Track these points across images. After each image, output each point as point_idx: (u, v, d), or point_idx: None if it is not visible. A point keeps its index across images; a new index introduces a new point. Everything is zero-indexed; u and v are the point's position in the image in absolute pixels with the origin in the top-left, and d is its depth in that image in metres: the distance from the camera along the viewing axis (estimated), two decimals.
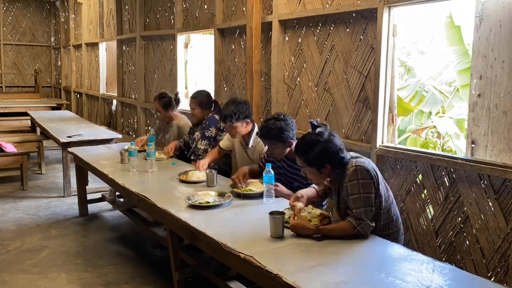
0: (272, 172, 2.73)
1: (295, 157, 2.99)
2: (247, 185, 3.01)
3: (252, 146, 3.46)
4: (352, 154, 2.44)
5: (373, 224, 2.23)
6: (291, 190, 2.99)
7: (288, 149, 2.95)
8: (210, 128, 3.94)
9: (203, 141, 3.93)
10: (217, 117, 4.02)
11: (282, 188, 2.92)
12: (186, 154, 4.19)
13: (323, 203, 2.97)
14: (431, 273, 1.87)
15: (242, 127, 3.39)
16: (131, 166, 3.64)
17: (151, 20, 7.24)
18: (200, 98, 4.05)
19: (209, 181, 3.19)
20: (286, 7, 4.36)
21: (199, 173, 3.35)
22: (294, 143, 2.94)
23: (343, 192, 2.32)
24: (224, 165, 3.91)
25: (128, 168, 3.68)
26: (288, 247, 2.12)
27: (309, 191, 2.64)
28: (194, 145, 4.03)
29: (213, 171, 3.23)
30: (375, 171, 2.31)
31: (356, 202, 2.22)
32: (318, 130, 2.39)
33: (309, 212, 2.42)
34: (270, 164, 2.76)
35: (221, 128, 3.97)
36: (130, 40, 7.97)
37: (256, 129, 3.48)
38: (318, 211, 2.43)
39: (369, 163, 2.32)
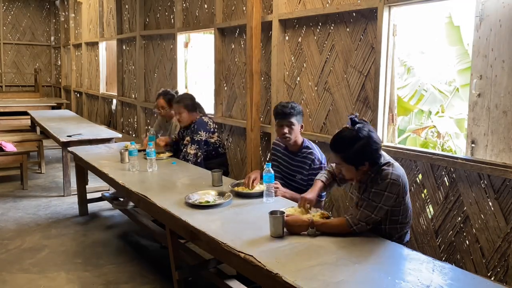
0: (272, 172, 2.74)
1: (296, 150, 3.03)
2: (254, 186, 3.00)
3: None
4: (387, 157, 2.34)
5: (369, 227, 2.24)
6: (293, 182, 3.03)
7: (301, 129, 3.05)
8: (199, 132, 3.88)
9: (192, 145, 3.88)
10: (205, 119, 3.99)
11: (282, 188, 2.93)
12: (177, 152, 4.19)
13: (322, 199, 2.98)
14: (431, 272, 1.87)
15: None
16: (131, 166, 3.64)
17: (151, 19, 7.24)
18: (185, 101, 3.98)
19: (214, 181, 3.18)
20: (286, 7, 4.35)
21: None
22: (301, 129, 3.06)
23: (365, 194, 2.28)
24: (221, 165, 3.90)
25: (128, 167, 3.68)
26: (288, 247, 2.12)
27: (315, 189, 2.61)
28: (184, 149, 4.00)
29: (219, 170, 3.22)
30: (405, 186, 2.26)
31: (369, 207, 2.21)
32: (357, 126, 2.25)
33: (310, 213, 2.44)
34: (270, 164, 2.76)
35: (211, 130, 3.96)
36: (130, 40, 7.97)
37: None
38: (318, 212, 2.44)
39: (403, 176, 2.26)
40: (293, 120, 2.99)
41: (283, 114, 3.01)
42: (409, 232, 2.47)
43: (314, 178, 2.94)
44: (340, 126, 3.90)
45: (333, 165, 2.72)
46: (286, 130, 3.00)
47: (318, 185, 2.67)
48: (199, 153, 3.84)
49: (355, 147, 2.22)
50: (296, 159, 3.06)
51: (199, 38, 6.94)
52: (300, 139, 3.08)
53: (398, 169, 2.27)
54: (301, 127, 3.06)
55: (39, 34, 12.94)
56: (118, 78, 8.55)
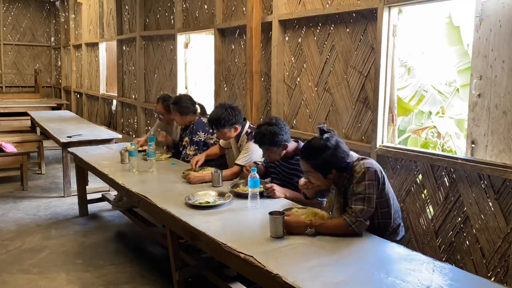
0: (257, 177, 2.69)
1: (291, 155, 3.03)
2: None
3: (239, 144, 3.55)
4: (355, 154, 2.44)
5: (368, 223, 2.25)
6: (291, 185, 3.01)
7: (284, 151, 2.97)
8: (198, 133, 3.91)
9: (191, 146, 3.90)
10: (204, 120, 3.98)
11: (278, 188, 2.91)
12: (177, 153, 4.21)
13: (323, 199, 2.98)
14: (431, 273, 1.87)
15: (231, 132, 3.46)
16: (131, 166, 3.65)
17: (151, 20, 7.24)
18: (179, 106, 3.99)
19: (214, 181, 3.19)
20: (286, 7, 4.36)
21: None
22: (289, 144, 2.98)
23: (349, 192, 2.33)
24: (221, 166, 3.90)
25: (128, 168, 3.68)
26: (288, 247, 2.12)
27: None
28: (184, 152, 4.01)
29: (219, 171, 3.22)
30: (381, 172, 2.35)
31: (358, 201, 2.24)
32: (325, 135, 2.38)
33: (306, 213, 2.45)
34: (255, 169, 2.74)
35: (211, 131, 3.96)
36: (130, 40, 7.98)
37: (246, 128, 3.52)
38: (315, 210, 2.45)
39: (376, 165, 2.35)
40: (268, 148, 2.94)
41: (256, 142, 3.02)
42: (402, 226, 2.52)
43: None
44: (340, 127, 3.90)
45: None
46: (265, 154, 3.04)
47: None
48: (199, 154, 3.84)
49: (323, 156, 2.33)
50: (292, 162, 3.05)
51: (199, 38, 6.94)
52: (292, 146, 3.01)
53: (368, 160, 2.37)
54: (284, 147, 2.95)
55: (39, 35, 12.95)
56: (118, 79, 8.55)
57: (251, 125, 3.61)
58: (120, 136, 5.57)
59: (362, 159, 2.37)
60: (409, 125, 5.92)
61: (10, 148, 5.51)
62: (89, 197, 4.73)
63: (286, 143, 2.96)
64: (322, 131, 2.42)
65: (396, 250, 2.13)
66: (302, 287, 1.75)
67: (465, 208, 3.01)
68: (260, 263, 1.95)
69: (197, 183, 3.23)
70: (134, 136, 7.92)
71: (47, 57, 13.16)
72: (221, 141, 3.74)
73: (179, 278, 2.83)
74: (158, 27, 7.04)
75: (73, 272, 3.42)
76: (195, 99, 4.21)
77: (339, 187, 2.45)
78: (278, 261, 1.96)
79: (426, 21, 5.97)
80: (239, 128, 3.47)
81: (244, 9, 4.95)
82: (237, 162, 3.39)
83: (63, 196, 5.28)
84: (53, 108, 9.13)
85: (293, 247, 2.13)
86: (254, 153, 3.37)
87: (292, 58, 4.38)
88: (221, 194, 2.90)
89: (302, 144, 3.07)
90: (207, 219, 2.53)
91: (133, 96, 7.98)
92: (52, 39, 13.13)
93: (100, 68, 9.64)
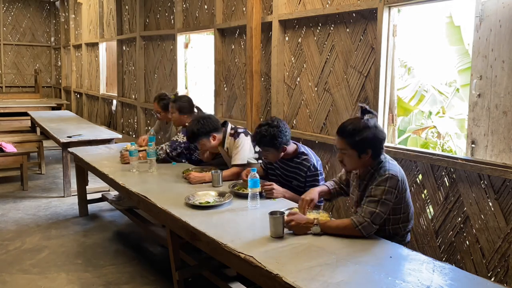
0: (257, 177, 2.68)
1: (290, 157, 3.02)
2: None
3: (226, 148, 3.50)
4: (386, 156, 2.39)
5: (376, 227, 2.23)
6: (289, 188, 2.99)
7: (282, 153, 2.95)
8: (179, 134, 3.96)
9: (167, 143, 3.97)
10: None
11: (278, 188, 2.91)
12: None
13: (320, 203, 2.97)
14: (431, 273, 1.87)
15: (209, 142, 3.41)
16: (131, 166, 3.65)
17: (151, 20, 7.24)
18: (178, 104, 4.00)
19: (214, 181, 3.19)
20: (286, 7, 4.36)
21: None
22: (288, 147, 2.95)
23: (367, 191, 2.31)
24: (220, 165, 3.90)
25: (128, 168, 3.68)
26: (288, 247, 2.12)
27: (318, 189, 2.61)
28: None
29: (219, 171, 3.23)
30: (404, 182, 2.32)
31: (372, 202, 2.22)
32: (366, 116, 2.32)
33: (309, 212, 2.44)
34: (255, 169, 2.73)
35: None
36: (130, 40, 7.98)
37: (228, 131, 3.48)
38: (320, 213, 2.45)
39: (400, 172, 2.31)
40: (265, 148, 2.94)
41: (255, 142, 3.00)
42: (410, 231, 2.49)
43: (311, 183, 2.94)
44: None
45: (340, 174, 2.72)
46: (263, 154, 3.03)
47: (321, 187, 2.66)
48: (168, 151, 3.89)
49: (362, 133, 2.29)
50: (291, 165, 3.03)
51: (199, 38, 6.95)
52: (291, 148, 2.99)
53: (395, 165, 2.34)
54: (283, 149, 2.92)
55: (39, 35, 12.95)
56: (118, 79, 8.55)
57: (233, 126, 3.57)
58: (120, 136, 5.57)
59: (389, 162, 2.34)
60: (409, 125, 5.92)
61: (10, 148, 5.51)
62: (89, 197, 4.73)
63: (285, 146, 2.92)
64: (364, 111, 2.33)
65: (396, 250, 2.13)
66: (302, 287, 1.75)
67: (465, 208, 3.01)
68: (260, 263, 1.95)
69: (197, 183, 3.23)
70: (134, 136, 7.92)
71: (47, 57, 13.16)
72: None
73: (179, 278, 2.83)
74: (158, 27, 7.04)
75: (73, 272, 3.42)
76: (194, 101, 4.21)
77: (360, 180, 2.42)
78: (278, 261, 1.96)
79: (426, 21, 5.97)
80: (218, 136, 3.43)
81: (244, 9, 4.95)
82: (234, 162, 3.38)
83: (63, 196, 5.28)
84: (53, 108, 9.13)
85: (293, 247, 2.13)
86: (245, 147, 3.36)
87: (292, 58, 4.38)
88: (221, 194, 2.90)
89: (301, 146, 3.07)
90: (207, 219, 2.53)
91: (133, 96, 7.98)
92: (52, 39, 13.13)
93: (100, 68, 9.65)
